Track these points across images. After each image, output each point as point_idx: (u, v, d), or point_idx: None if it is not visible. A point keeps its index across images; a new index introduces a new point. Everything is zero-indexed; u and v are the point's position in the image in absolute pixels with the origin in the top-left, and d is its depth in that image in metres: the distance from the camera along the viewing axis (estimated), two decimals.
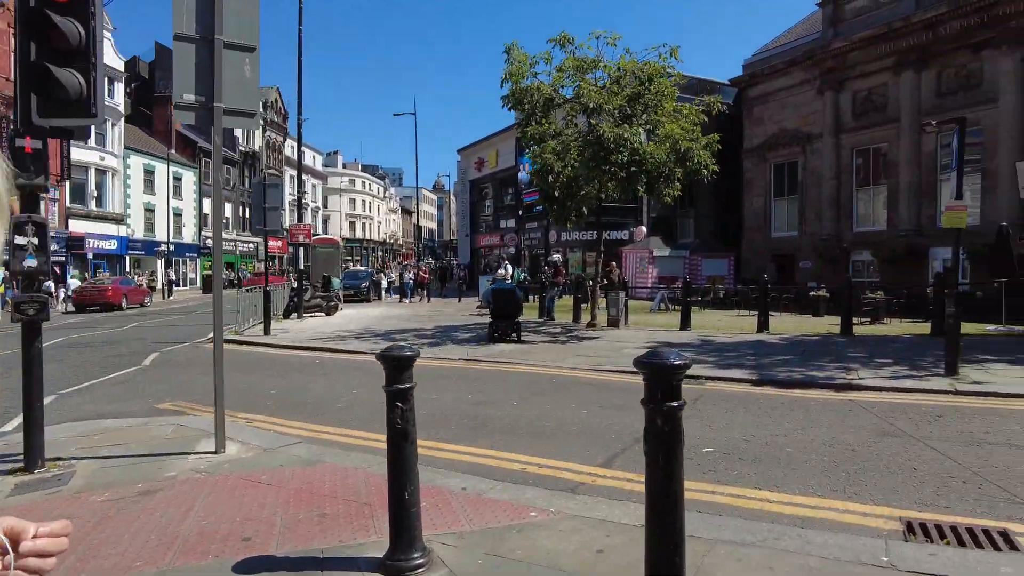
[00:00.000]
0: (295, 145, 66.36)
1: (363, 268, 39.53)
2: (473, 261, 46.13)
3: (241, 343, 15.04)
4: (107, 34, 39.20)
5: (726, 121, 35.99)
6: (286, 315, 20.68)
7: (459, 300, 28.90)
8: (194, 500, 4.51)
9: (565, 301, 20.42)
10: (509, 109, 15.05)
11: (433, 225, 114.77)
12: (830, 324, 17.39)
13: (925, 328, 15.45)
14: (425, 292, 26.72)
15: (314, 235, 65.58)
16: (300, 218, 21.52)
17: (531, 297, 23.37)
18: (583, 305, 17.21)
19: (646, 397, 2.70)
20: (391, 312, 23.21)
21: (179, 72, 5.76)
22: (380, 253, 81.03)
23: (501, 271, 21.09)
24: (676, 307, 24.31)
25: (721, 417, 6.78)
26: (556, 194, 15.35)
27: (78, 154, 36.50)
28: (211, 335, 17.09)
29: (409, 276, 27.33)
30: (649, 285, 30.32)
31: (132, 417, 7.36)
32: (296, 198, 21.50)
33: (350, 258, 78.75)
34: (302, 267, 21.07)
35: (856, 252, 30.93)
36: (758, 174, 36.31)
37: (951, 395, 7.64)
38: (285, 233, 22.88)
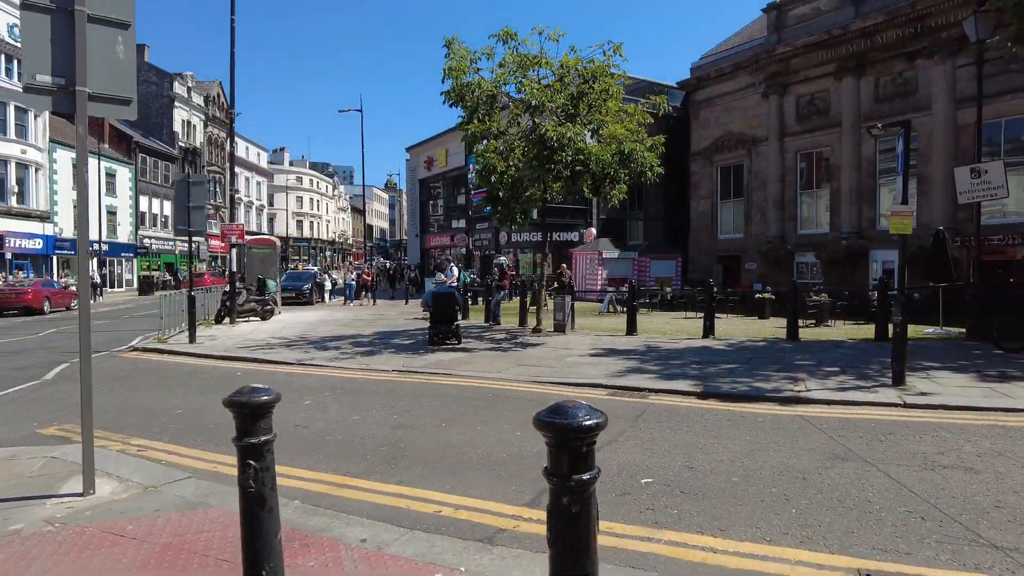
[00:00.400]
0: (238, 141, 64.10)
1: (308, 269, 38.08)
2: (424, 262, 45.15)
3: (163, 352, 13.92)
4: None
5: (674, 124, 36.11)
6: (218, 320, 19.48)
7: (406, 303, 28.00)
8: (28, 567, 3.67)
9: (514, 304, 19.83)
10: (451, 105, 14.34)
11: (385, 224, 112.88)
12: (776, 327, 17.24)
13: (869, 331, 15.39)
14: (369, 294, 25.68)
15: (253, 235, 63.52)
16: (232, 217, 20.32)
17: (480, 300, 22.72)
18: (531, 308, 16.67)
19: (550, 467, 2.05)
20: (331, 316, 22.19)
21: (30, 47, 4.77)
22: (329, 253, 79.08)
23: (441, 276, 20.40)
24: (625, 309, 23.98)
25: (663, 438, 6.24)
26: (501, 195, 14.72)
27: None
28: (134, 342, 15.95)
29: (351, 278, 26.16)
30: (599, 287, 29.99)
31: (2, 447, 6.39)
32: (229, 196, 20.27)
33: (298, 258, 76.60)
34: (235, 269, 19.87)
35: (800, 254, 31.28)
36: (705, 176, 36.48)
37: (900, 408, 7.30)
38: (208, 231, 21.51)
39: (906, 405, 7.34)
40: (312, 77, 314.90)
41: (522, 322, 16.70)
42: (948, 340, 13.11)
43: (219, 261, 57.12)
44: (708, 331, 13.85)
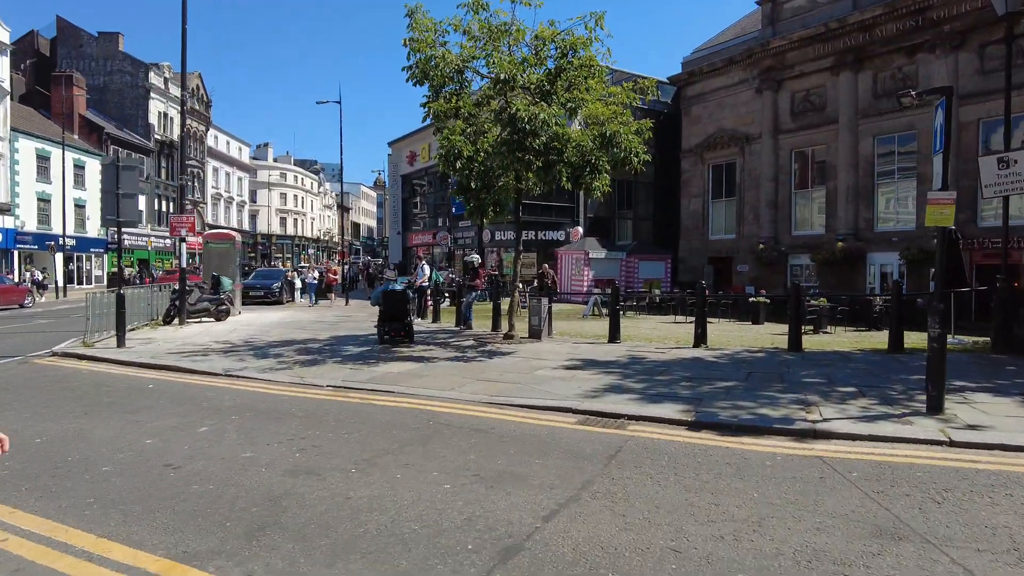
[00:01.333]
0: (218, 135, 62.10)
1: (277, 267, 36.20)
2: (405, 260, 43.41)
3: (83, 358, 12.14)
4: None
5: (665, 120, 34.56)
6: (166, 320, 17.69)
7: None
8: None
9: (489, 307, 18.01)
10: (415, 84, 12.63)
11: (373, 223, 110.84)
12: (773, 334, 15.65)
13: (875, 341, 13.83)
14: (332, 295, 23.82)
15: (217, 229, 61.32)
16: (181, 208, 18.51)
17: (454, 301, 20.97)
18: (505, 310, 15.01)
19: None
20: (294, 317, 20.44)
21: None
22: (313, 251, 77.11)
23: (390, 273, 18.80)
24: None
25: (643, 495, 4.57)
26: (472, 184, 13.05)
27: None
28: (62, 345, 14.16)
29: (313, 276, 24.27)
30: (584, 288, 28.37)
31: None
32: (179, 185, 18.47)
33: (281, 256, 74.59)
34: (184, 265, 18.08)
35: (794, 256, 29.80)
36: (696, 174, 34.98)
37: (946, 448, 5.67)
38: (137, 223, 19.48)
39: (953, 443, 5.71)
40: (298, 72, 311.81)
41: (495, 327, 15.03)
42: (970, 352, 11.53)
43: (196, 258, 55.14)
44: (700, 339, 12.22)
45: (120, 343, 13.09)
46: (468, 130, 12.32)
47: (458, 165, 11.94)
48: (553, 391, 8.10)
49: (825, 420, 6.45)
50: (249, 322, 18.53)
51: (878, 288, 26.02)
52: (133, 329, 16.45)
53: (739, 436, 6.14)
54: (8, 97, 36.21)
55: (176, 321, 17.53)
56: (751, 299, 21.44)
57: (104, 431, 6.67)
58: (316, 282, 23.86)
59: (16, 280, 29.90)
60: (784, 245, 30.15)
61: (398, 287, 14.33)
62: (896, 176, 26.30)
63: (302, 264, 48.52)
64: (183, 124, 17.48)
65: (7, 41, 36.08)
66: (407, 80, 12.69)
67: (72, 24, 48.41)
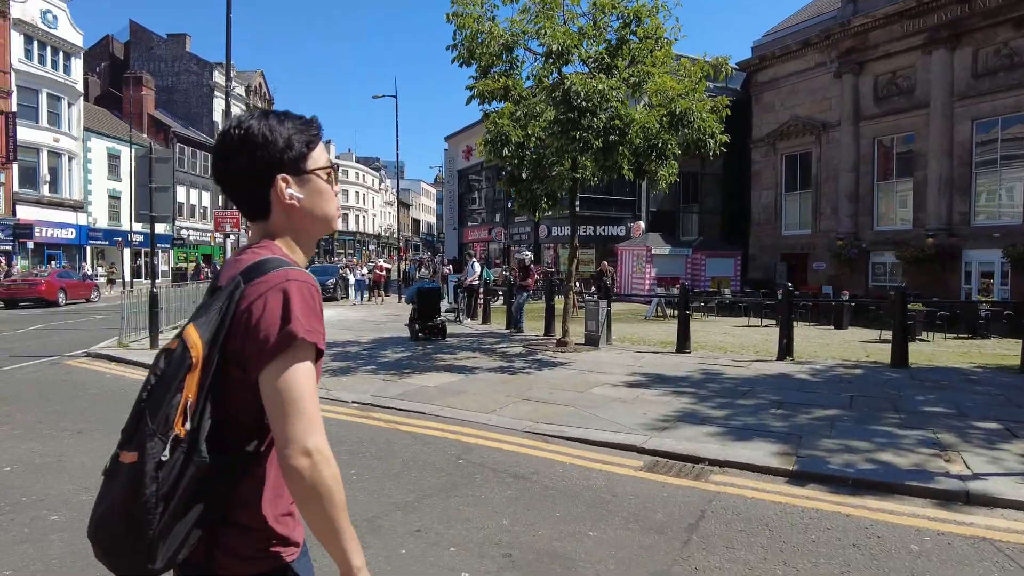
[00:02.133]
0: None
1: (333, 263, 35.80)
2: (460, 257, 42.53)
3: (114, 360, 11.46)
4: (62, 5, 35.66)
5: (734, 108, 32.29)
6: None
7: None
8: None
9: (541, 307, 16.56)
10: (460, 64, 11.39)
11: (432, 219, 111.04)
12: (862, 342, 13.75)
13: (988, 352, 11.77)
14: (381, 292, 22.89)
15: None
16: (228, 204, 17.89)
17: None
18: (559, 311, 13.61)
19: None
20: (342, 316, 19.62)
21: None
22: (373, 247, 77.46)
23: (425, 271, 17.65)
24: (675, 314, 20.61)
25: None
26: (523, 174, 11.71)
27: (27, 134, 33.01)
28: (100, 344, 13.63)
29: (361, 273, 23.33)
30: (646, 287, 26.63)
31: None
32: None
33: (343, 252, 75.21)
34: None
35: (876, 253, 27.18)
36: (767, 165, 32.63)
37: None
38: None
39: None
40: (361, 72, 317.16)
41: (548, 330, 13.66)
42: None
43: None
44: (785, 350, 10.49)
45: (153, 344, 12.40)
46: (518, 113, 10.97)
47: (506, 152, 10.60)
48: (613, 418, 6.69)
49: (976, 476, 4.81)
50: None
51: (974, 290, 23.30)
52: (175, 327, 15.92)
53: (860, 496, 4.59)
54: (81, 99, 37.09)
55: None
56: (833, 301, 19.32)
57: (85, 457, 5.68)
58: (364, 279, 22.99)
59: (88, 274, 30.49)
60: (865, 241, 27.60)
61: (430, 285, 13.97)
62: (998, 164, 23.43)
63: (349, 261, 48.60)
64: (227, 110, 16.78)
65: (80, 44, 36.95)
66: (452, 61, 11.46)
67: (143, 27, 49.63)
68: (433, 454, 5.63)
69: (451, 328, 15.63)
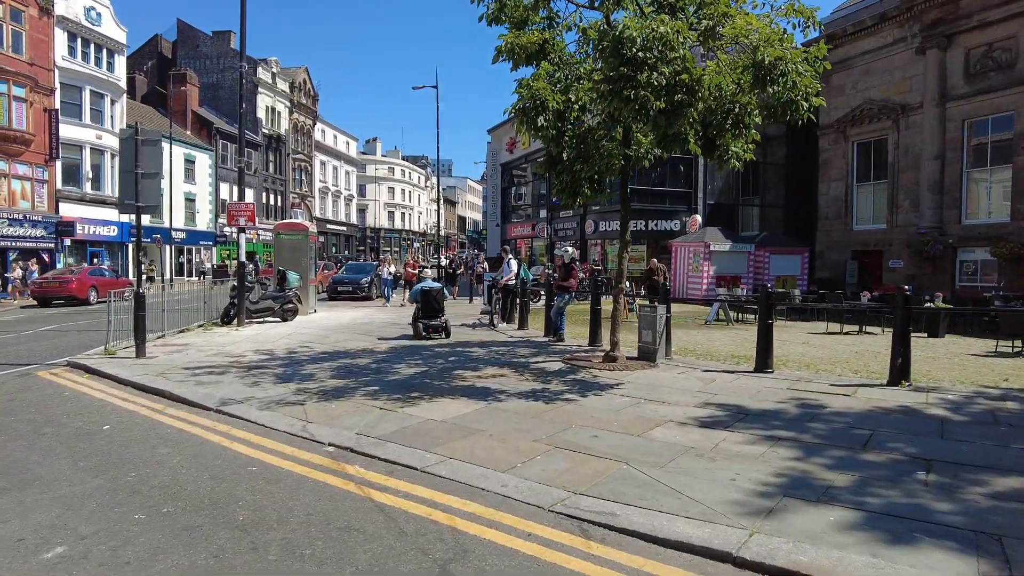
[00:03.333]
0: (325, 129, 62.02)
1: (368, 261, 34.22)
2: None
3: (89, 372, 9.80)
4: (105, 2, 35.11)
5: None
6: (224, 321, 15.53)
7: (470, 300, 23.32)
8: None
9: (585, 308, 14.34)
10: (489, 23, 9.30)
11: (478, 216, 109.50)
12: (977, 356, 11.06)
13: None
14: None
15: (332, 222, 60.80)
16: (242, 194, 16.29)
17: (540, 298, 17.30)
18: (607, 317, 11.38)
19: None
20: (370, 318, 17.80)
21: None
22: (418, 244, 76.35)
23: (427, 271, 15.83)
24: (739, 316, 18.26)
25: None
26: (563, 153, 9.53)
27: (70, 131, 32.53)
28: (80, 355, 11.99)
29: (389, 271, 21.23)
30: (703, 287, 24.03)
31: None
32: (238, 168, 16.22)
33: (388, 249, 74.27)
34: (244, 258, 15.82)
35: (965, 249, 23.86)
36: (836, 154, 29.49)
37: None
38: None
39: None
40: (407, 70, 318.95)
41: (593, 339, 11.44)
42: None
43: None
44: (901, 373, 7.99)
45: (140, 353, 10.72)
46: (557, 75, 8.79)
47: (542, 122, 8.40)
48: (686, 487, 4.47)
49: None
50: (316, 323, 16.03)
51: None
52: (183, 331, 14.36)
53: None
54: (124, 96, 36.59)
55: (236, 322, 15.32)
56: (927, 304, 16.45)
57: None
58: (391, 278, 20.98)
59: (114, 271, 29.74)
60: (952, 236, 24.32)
61: (434, 285, 13.57)
62: None
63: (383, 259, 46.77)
64: (240, 93, 15.17)
65: (124, 42, 36.43)
66: (480, 19, 9.37)
67: (190, 26, 49.35)
68: (406, 558, 3.53)
69: (482, 335, 13.57)
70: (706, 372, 9.05)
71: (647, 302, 12.06)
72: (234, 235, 45.92)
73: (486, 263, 24.75)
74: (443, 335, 12.95)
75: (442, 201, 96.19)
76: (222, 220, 44.04)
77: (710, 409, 6.83)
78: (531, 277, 17.23)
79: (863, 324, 16.64)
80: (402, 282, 20.42)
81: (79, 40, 33.28)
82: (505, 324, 15.32)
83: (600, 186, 10.11)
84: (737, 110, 8.30)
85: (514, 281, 15.10)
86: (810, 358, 10.82)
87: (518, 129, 8.78)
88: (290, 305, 16.57)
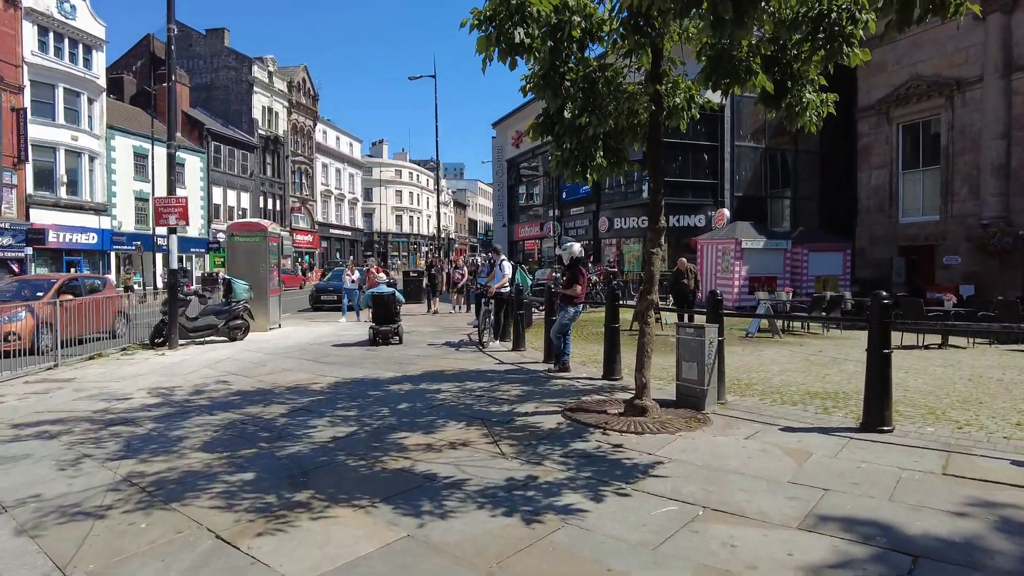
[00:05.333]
0: (327, 130, 59.12)
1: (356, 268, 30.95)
2: (512, 255, 37.28)
3: None
4: None
5: (831, 73, 25.87)
6: (153, 342, 12.42)
7: (465, 309, 20.02)
8: None
9: (598, 319, 11.03)
10: None
11: (489, 219, 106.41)
12: None
13: None
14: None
15: (337, 226, 57.53)
16: (171, 187, 13.16)
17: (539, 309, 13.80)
18: (630, 335, 8.03)
19: None
20: (336, 335, 14.60)
21: None
22: (426, 248, 73.25)
23: (383, 276, 12.86)
24: (785, 325, 14.80)
25: None
26: (565, 104, 6.25)
27: (42, 132, 29.79)
28: None
29: (352, 279, 17.75)
30: (735, 290, 20.58)
31: None
32: (168, 153, 13.06)
33: (396, 254, 71.32)
34: (175, 265, 12.70)
35: None
36: (878, 139, 25.83)
37: None
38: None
39: None
40: (418, 68, 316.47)
41: (610, 371, 8.12)
42: None
43: (308, 257, 52.23)
44: None
45: None
46: None
47: (520, 38, 5.14)
48: None
49: None
50: (267, 344, 12.84)
51: None
52: (92, 358, 11.21)
53: None
54: (104, 95, 33.87)
55: (168, 344, 12.20)
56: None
57: None
58: (355, 287, 17.53)
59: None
60: (1022, 227, 20.65)
61: (385, 290, 13.04)
62: None
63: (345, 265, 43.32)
64: (168, 61, 12.10)
65: (102, 37, 33.70)
66: None
67: (183, 24, 46.66)
68: None
69: (463, 360, 10.28)
70: (787, 432, 5.66)
71: (675, 313, 8.69)
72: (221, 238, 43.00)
73: (465, 267, 21.14)
74: (397, 340, 12.51)
75: (452, 204, 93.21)
76: (216, 225, 41.27)
77: (828, 537, 3.47)
78: (530, 282, 13.98)
79: (946, 336, 13.16)
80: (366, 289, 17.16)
81: (51, 34, 30.54)
82: (498, 343, 12.03)
83: (619, 152, 6.79)
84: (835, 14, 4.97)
85: (507, 288, 11.80)
86: (921, 394, 7.39)
87: (487, 54, 5.47)
88: (238, 321, 13.40)
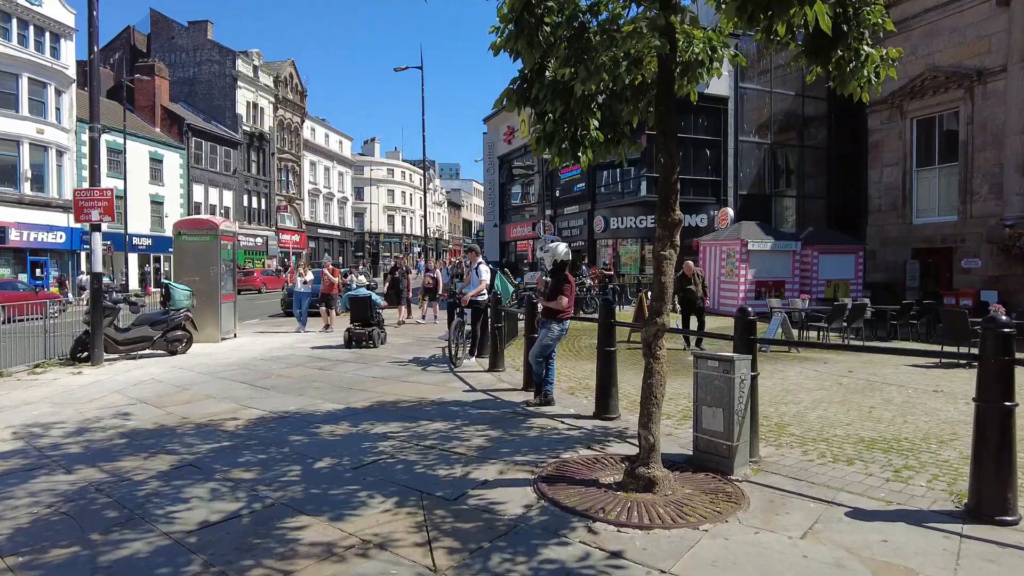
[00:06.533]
0: (315, 127, 57.15)
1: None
2: (503, 257, 35.41)
3: None
4: None
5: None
6: (74, 357, 10.58)
7: (434, 319, 18.03)
8: None
9: (589, 326, 9.25)
10: None
11: (483, 219, 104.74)
12: None
13: None
14: (332, 311, 14.98)
15: (323, 226, 55.36)
16: (94, 176, 11.20)
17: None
18: (629, 353, 5.97)
19: None
20: (294, 347, 12.74)
21: None
22: (418, 249, 71.28)
23: (362, 278, 11.23)
24: (801, 335, 13.01)
25: None
26: (548, 66, 4.46)
27: (3, 124, 27.84)
28: None
29: (304, 281, 15.07)
30: (741, 295, 18.80)
31: None
32: (90, 137, 11.15)
33: (388, 255, 69.35)
34: (99, 267, 10.83)
35: None
36: (891, 134, 24.10)
37: None
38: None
39: None
40: (412, 72, 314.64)
41: (603, 408, 6.28)
42: None
43: (296, 258, 50.18)
44: None
45: None
46: None
47: None
48: None
49: None
50: (208, 359, 10.99)
51: None
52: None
53: None
54: (74, 86, 31.92)
55: (92, 359, 10.35)
56: None
57: None
58: (308, 291, 15.52)
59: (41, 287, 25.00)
60: None
61: (362, 293, 13.01)
62: None
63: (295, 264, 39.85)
64: (91, 51, 10.28)
65: (72, 25, 31.76)
66: None
67: (165, 16, 44.80)
68: None
69: (427, 384, 8.42)
70: (858, 520, 3.83)
71: (678, 327, 6.91)
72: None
73: (438, 270, 18.56)
74: (371, 344, 12.29)
75: (446, 204, 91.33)
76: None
77: None
78: (511, 289, 12.17)
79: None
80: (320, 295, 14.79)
81: (14, 20, 28.59)
82: (474, 360, 10.20)
83: (617, 125, 5.00)
84: None
85: (485, 296, 9.96)
86: None
87: None
88: (178, 332, 11.53)
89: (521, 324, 13.00)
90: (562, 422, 6.17)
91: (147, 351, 11.44)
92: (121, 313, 12.21)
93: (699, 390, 4.83)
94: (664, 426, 5.19)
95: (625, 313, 19.31)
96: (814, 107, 26.56)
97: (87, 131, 31.45)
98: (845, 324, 13.51)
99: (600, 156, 5.34)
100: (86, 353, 10.63)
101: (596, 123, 4.93)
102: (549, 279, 7.36)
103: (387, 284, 19.47)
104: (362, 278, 13.43)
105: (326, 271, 14.98)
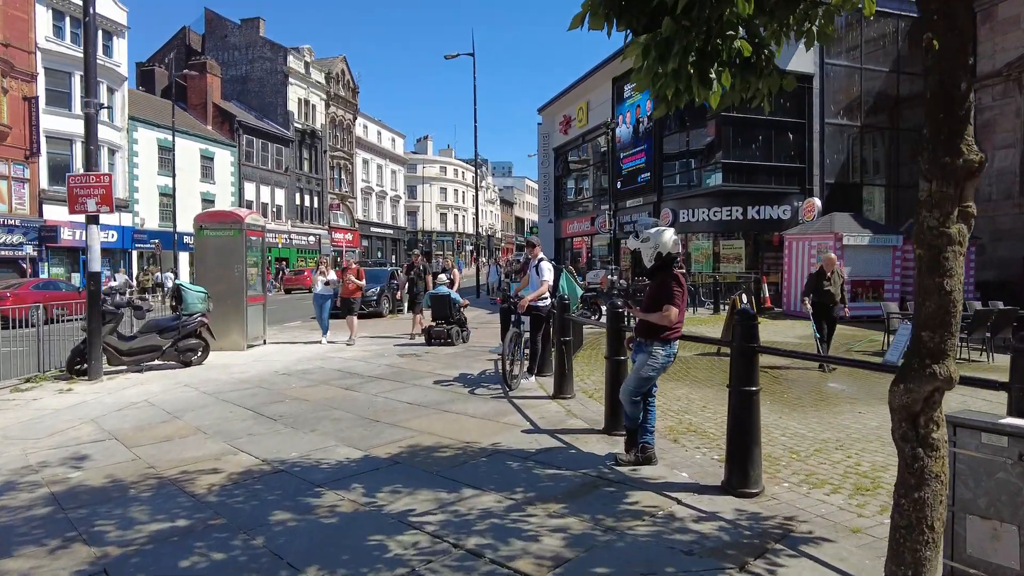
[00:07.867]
0: (368, 124, 56.17)
1: (382, 268, 27.49)
2: (559, 255, 33.24)
3: None
4: None
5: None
6: (72, 369, 9.09)
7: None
8: None
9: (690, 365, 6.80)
10: None
11: (536, 216, 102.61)
12: None
13: None
14: (353, 315, 12.77)
15: (375, 224, 54.19)
16: (89, 161, 9.68)
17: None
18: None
19: None
20: (325, 359, 10.97)
21: None
22: (470, 247, 69.70)
23: (443, 276, 9.31)
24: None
25: None
26: None
27: (55, 123, 27.45)
28: None
29: (323, 282, 12.72)
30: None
31: None
32: (86, 113, 9.64)
33: (441, 253, 68.08)
34: (96, 268, 9.30)
35: None
36: (1006, 112, 20.91)
37: None
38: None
39: None
40: (463, 73, 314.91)
41: (742, 477, 4.07)
42: None
43: (343, 255, 49.37)
44: None
45: None
46: None
47: None
48: None
49: None
50: (224, 374, 9.31)
51: None
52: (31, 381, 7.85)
53: None
54: (125, 84, 31.52)
55: (89, 372, 8.81)
56: None
57: None
58: (329, 293, 12.82)
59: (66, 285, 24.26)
60: None
61: (442, 291, 12.37)
62: None
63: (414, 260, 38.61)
64: (86, 51, 8.78)
65: (124, 22, 31.31)
66: None
67: (219, 15, 44.50)
68: None
69: (476, 420, 6.34)
70: None
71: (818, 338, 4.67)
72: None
73: (455, 268, 15.65)
74: (450, 342, 12.16)
75: (499, 201, 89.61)
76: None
77: None
78: (579, 292, 10.08)
79: None
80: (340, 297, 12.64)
81: (67, 19, 28.19)
82: (534, 379, 8.14)
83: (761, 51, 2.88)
84: None
85: (548, 300, 7.90)
86: None
87: None
88: (192, 341, 9.90)
89: (587, 331, 10.91)
90: (679, 502, 4.00)
91: (157, 362, 9.85)
92: (135, 318, 10.74)
93: (964, 485, 2.62)
94: (838, 504, 2.97)
95: (699, 318, 16.99)
96: (910, 85, 23.35)
97: (137, 129, 30.87)
98: (988, 335, 10.83)
99: (736, 95, 3.22)
100: (79, 364, 9.12)
101: (738, 46, 2.83)
102: (628, 287, 5.17)
103: (399, 287, 17.67)
104: (443, 276, 12.91)
105: (349, 273, 12.87)
